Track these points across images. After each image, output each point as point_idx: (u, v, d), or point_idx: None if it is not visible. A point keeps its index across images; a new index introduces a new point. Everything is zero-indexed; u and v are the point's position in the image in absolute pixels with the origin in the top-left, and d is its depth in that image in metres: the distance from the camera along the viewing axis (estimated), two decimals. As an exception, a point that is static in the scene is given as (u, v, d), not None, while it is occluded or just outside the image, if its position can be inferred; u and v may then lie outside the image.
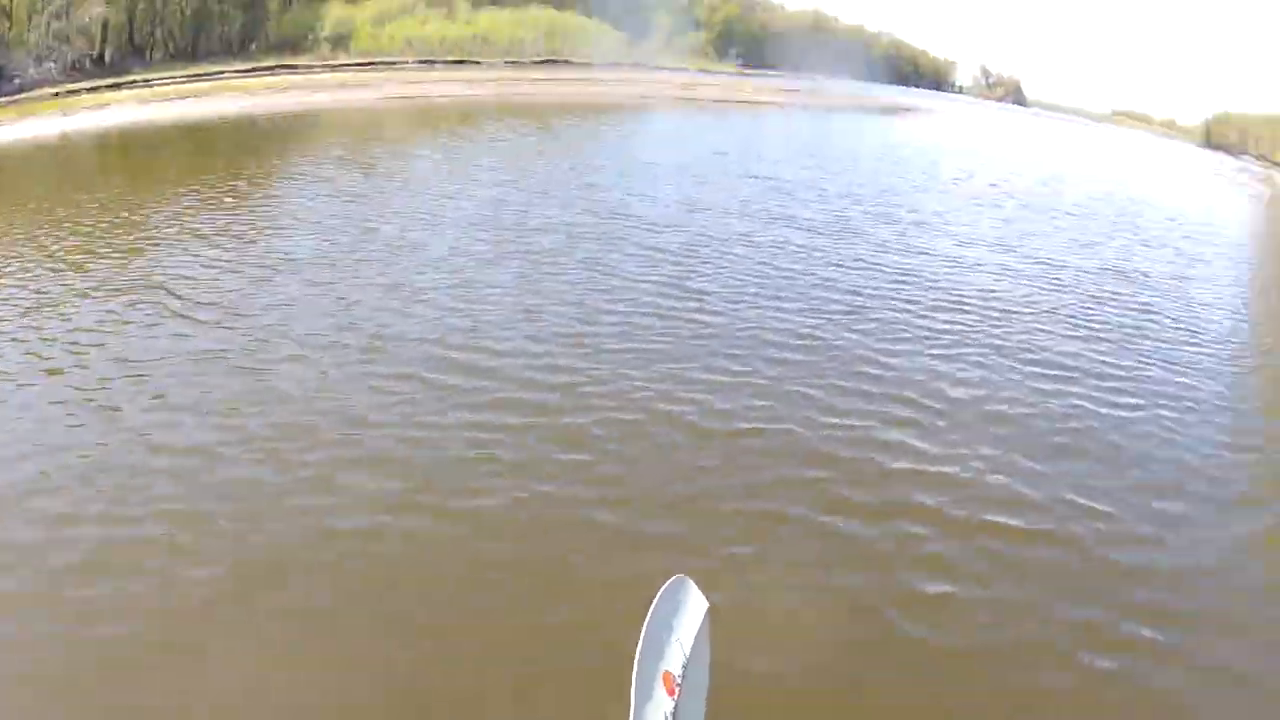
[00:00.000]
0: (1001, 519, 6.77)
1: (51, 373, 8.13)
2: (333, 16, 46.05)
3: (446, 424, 7.46)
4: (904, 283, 13.35)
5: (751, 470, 7.11)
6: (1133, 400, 9.64)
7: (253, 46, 42.83)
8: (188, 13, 40.85)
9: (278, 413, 7.48)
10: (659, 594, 2.96)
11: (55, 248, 11.82)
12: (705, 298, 11.46)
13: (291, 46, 44.12)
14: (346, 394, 7.89)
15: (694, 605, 3.13)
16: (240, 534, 5.83)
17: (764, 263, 13.60)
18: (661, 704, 2.71)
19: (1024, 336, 11.42)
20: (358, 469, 6.65)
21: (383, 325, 9.62)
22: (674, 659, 2.87)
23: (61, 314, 9.54)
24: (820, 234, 16.22)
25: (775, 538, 6.22)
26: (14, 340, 8.78)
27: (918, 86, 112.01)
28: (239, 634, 4.98)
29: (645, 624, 2.83)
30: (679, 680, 2.83)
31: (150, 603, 5.17)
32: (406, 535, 5.93)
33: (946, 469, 7.44)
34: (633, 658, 2.72)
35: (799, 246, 14.94)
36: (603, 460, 7.08)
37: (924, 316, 11.73)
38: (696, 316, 10.67)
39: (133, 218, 13.53)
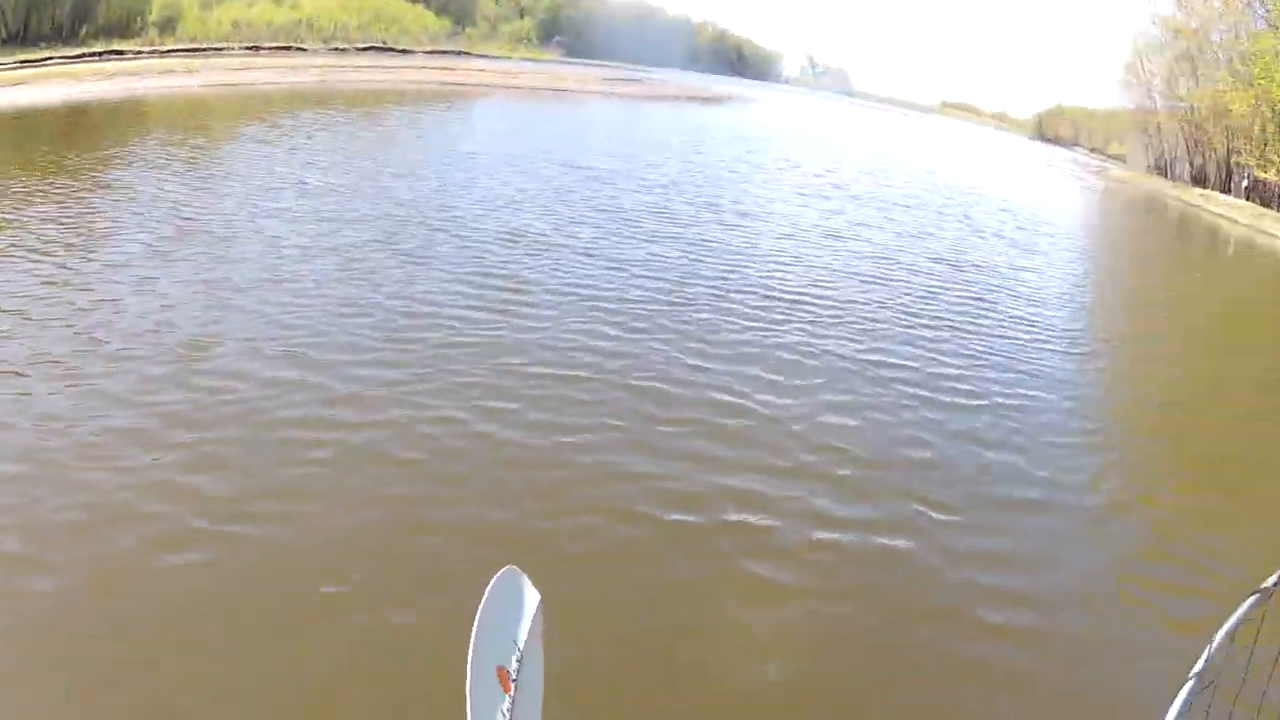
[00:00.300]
0: (835, 514, 6.78)
1: None
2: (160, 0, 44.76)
3: (265, 424, 7.15)
4: (729, 277, 13.31)
5: (567, 470, 7.00)
6: (971, 394, 9.80)
7: (82, 32, 40.90)
8: (19, -6, 38.68)
9: (106, 418, 7.10)
10: (489, 586, 2.85)
11: None
12: (525, 293, 11.16)
13: (121, 31, 42.57)
14: (168, 396, 7.53)
15: (526, 597, 3.06)
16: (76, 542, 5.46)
17: (582, 257, 13.35)
18: (498, 700, 2.63)
19: (856, 332, 11.49)
20: (173, 472, 6.37)
21: (202, 325, 9.15)
22: (508, 653, 2.80)
23: None
24: (640, 226, 16.17)
25: (595, 536, 6.15)
26: None
27: (744, 76, 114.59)
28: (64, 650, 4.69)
29: (477, 618, 2.71)
30: (514, 675, 2.76)
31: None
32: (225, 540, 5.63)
33: (770, 478, 7.30)
34: (464, 655, 2.62)
35: (619, 239, 14.83)
36: (433, 458, 6.94)
37: (751, 313, 11.63)
38: (513, 315, 10.34)
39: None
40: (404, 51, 56.30)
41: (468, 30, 69.07)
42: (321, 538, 5.76)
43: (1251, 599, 2.41)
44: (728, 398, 8.67)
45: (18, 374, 7.69)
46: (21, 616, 4.88)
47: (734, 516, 6.56)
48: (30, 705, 4.35)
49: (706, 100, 61.33)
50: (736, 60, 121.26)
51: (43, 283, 9.96)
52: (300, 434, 7.02)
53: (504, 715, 2.62)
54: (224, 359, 8.30)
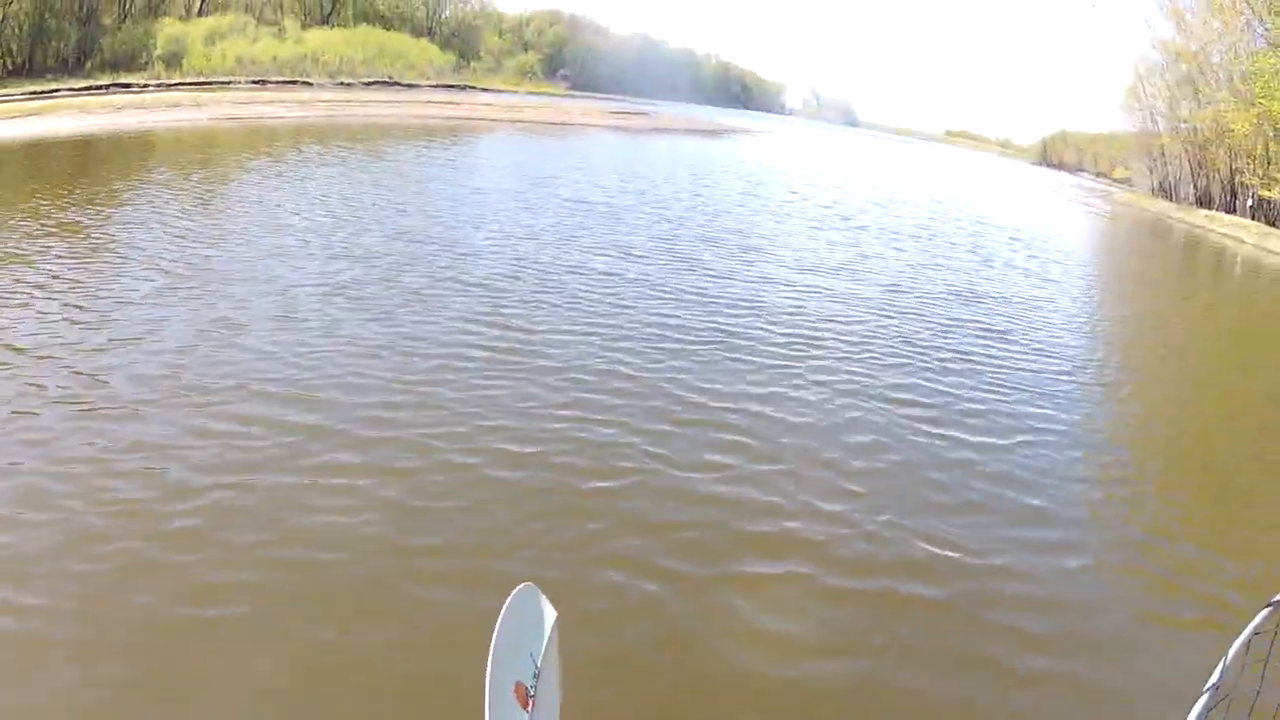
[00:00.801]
0: (849, 555, 6.64)
1: None
2: (165, 34, 46.82)
3: (280, 470, 7.03)
4: (740, 313, 13.12)
5: (586, 515, 6.86)
6: (991, 429, 9.60)
7: (88, 64, 42.09)
8: (25, 28, 40.16)
9: (118, 462, 6.97)
10: (506, 603, 2.82)
11: None
12: (530, 333, 10.99)
13: (126, 64, 43.83)
14: (182, 442, 7.40)
15: (542, 614, 3.05)
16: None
17: (592, 294, 13.19)
18: (515, 716, 2.60)
19: (876, 368, 11.27)
20: (191, 519, 6.24)
21: (213, 365, 9.04)
22: (525, 669, 2.77)
23: None
24: (651, 261, 16.05)
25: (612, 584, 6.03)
26: None
27: (748, 108, 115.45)
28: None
29: (494, 634, 2.68)
30: (531, 692, 2.73)
31: None
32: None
33: (788, 509, 7.23)
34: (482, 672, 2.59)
35: (630, 277, 14.64)
36: (450, 504, 6.80)
37: (765, 350, 11.43)
38: (518, 354, 10.21)
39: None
40: (410, 86, 56.85)
41: (472, 64, 69.64)
42: (345, 587, 5.63)
43: (1266, 611, 2.39)
44: (748, 440, 8.48)
45: (31, 413, 7.58)
46: (43, 670, 4.75)
47: (755, 566, 6.39)
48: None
49: (712, 133, 61.71)
50: (740, 92, 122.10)
51: (51, 321, 9.88)
52: (315, 480, 6.88)
53: None
54: (235, 403, 8.17)
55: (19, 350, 8.99)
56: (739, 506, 7.16)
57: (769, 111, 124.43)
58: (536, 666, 2.83)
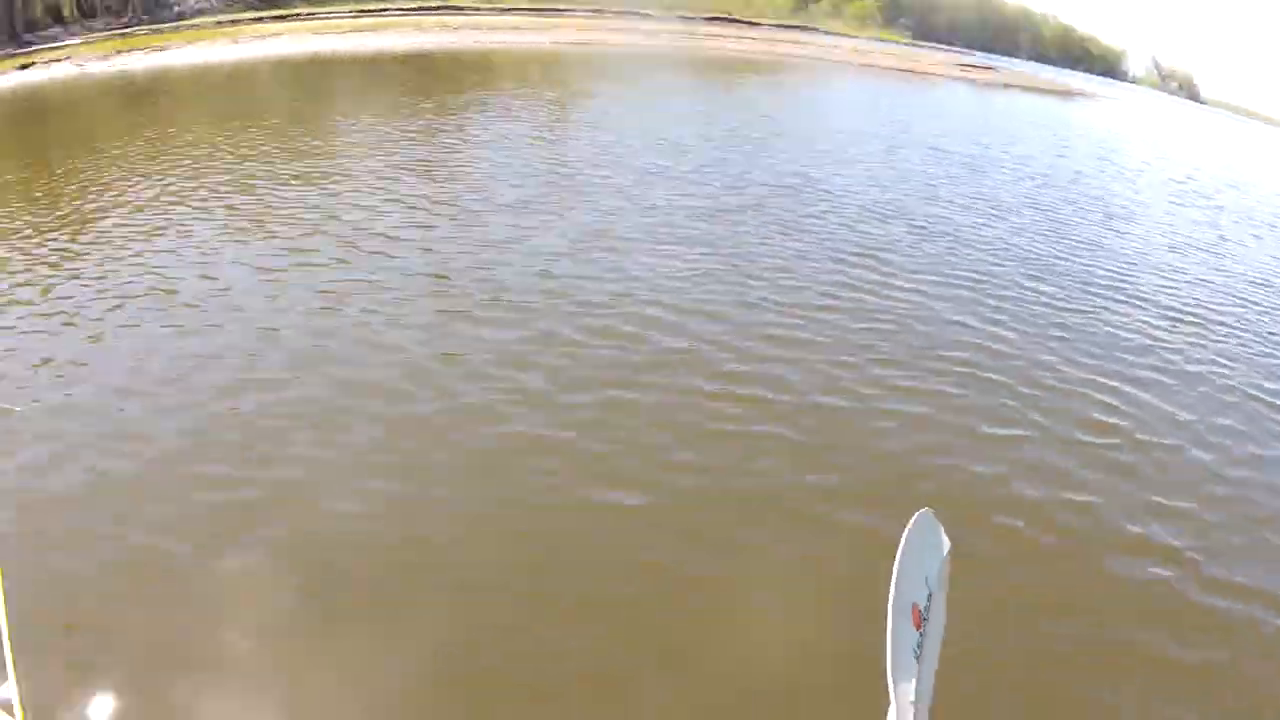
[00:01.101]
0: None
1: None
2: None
3: (684, 388, 7.91)
4: (1115, 282, 12.81)
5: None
6: None
7: None
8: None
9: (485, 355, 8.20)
10: (908, 527, 3.00)
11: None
12: (908, 287, 11.23)
13: None
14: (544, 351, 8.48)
15: (940, 541, 3.21)
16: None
17: (966, 247, 13.37)
18: (909, 636, 2.76)
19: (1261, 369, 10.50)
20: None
21: (579, 279, 10.19)
22: (921, 592, 2.94)
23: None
24: (1019, 218, 16.01)
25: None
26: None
27: (1088, 72, 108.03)
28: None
29: (898, 557, 2.85)
30: (925, 614, 2.90)
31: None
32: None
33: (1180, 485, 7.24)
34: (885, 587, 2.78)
35: (1000, 231, 14.65)
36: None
37: (1141, 325, 11.14)
38: (902, 305, 10.52)
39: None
40: (750, 23, 56.98)
41: (810, 7, 69.13)
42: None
43: None
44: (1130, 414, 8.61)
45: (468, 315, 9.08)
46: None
47: (1144, 538, 6.59)
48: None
49: (1063, 95, 58.31)
50: (1082, 56, 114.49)
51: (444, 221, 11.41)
52: (722, 389, 7.97)
53: (914, 651, 2.76)
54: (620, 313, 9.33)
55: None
56: (1131, 475, 7.37)
57: (1109, 78, 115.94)
58: (929, 589, 3.02)
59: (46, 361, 7.92)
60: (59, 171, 14.98)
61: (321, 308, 9.17)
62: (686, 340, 8.81)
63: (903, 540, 2.95)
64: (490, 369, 7.95)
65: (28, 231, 11.60)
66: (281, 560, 5.52)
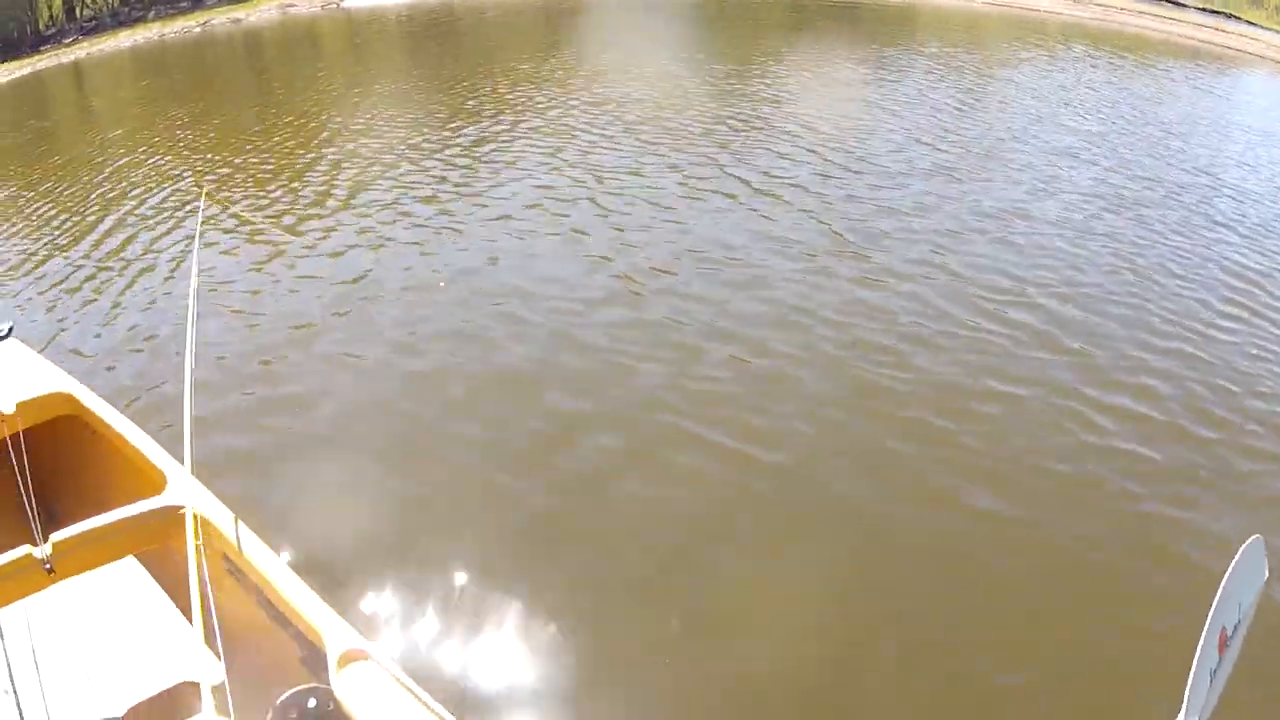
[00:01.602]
0: None
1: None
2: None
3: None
4: None
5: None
6: None
7: None
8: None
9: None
10: (1240, 552, 2.91)
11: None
12: None
13: None
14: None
15: (1261, 569, 3.13)
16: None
17: None
18: (1211, 658, 2.74)
19: None
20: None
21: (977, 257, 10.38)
22: (1231, 618, 2.89)
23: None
24: None
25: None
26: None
27: None
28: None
29: (1224, 578, 2.79)
30: (1230, 640, 2.87)
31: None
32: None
33: None
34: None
35: None
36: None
37: None
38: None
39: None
40: (1176, 4, 52.19)
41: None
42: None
43: None
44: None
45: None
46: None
47: None
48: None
49: None
50: None
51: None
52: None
53: (1211, 673, 2.75)
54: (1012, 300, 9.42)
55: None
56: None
57: None
58: (1239, 617, 2.95)
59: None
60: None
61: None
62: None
63: (1232, 564, 2.89)
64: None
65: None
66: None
